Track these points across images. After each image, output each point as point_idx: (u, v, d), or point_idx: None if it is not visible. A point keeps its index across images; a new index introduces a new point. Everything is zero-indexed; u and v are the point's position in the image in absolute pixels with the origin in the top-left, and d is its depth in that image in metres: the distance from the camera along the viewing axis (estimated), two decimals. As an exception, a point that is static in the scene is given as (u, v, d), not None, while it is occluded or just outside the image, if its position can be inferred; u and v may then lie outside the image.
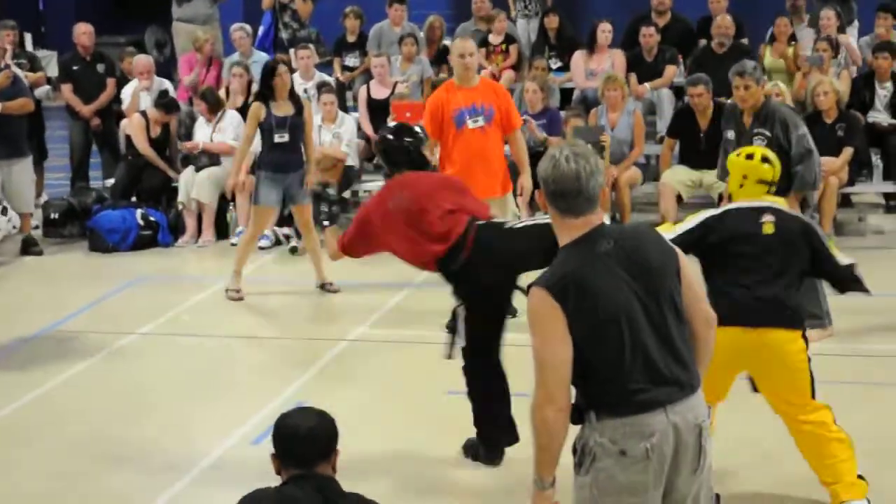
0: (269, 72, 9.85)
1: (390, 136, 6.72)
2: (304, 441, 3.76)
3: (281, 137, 9.70)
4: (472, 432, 6.47)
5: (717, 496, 4.07)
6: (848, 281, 5.96)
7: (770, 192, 6.00)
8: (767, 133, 8.30)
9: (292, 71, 10.96)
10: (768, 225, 5.79)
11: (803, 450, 5.76)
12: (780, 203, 5.98)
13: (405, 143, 6.64)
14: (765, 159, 6.00)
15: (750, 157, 6.03)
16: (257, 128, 9.76)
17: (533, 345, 3.88)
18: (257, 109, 9.75)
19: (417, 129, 6.84)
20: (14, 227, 11.33)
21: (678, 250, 4.06)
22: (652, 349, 3.90)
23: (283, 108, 9.76)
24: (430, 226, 6.19)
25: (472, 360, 6.38)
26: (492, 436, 6.39)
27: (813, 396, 5.70)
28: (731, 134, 8.61)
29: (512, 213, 8.61)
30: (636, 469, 3.87)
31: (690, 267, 4.06)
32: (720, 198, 10.45)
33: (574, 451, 3.97)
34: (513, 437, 6.33)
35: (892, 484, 6.05)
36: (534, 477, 3.94)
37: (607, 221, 4.12)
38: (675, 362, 3.92)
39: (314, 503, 3.67)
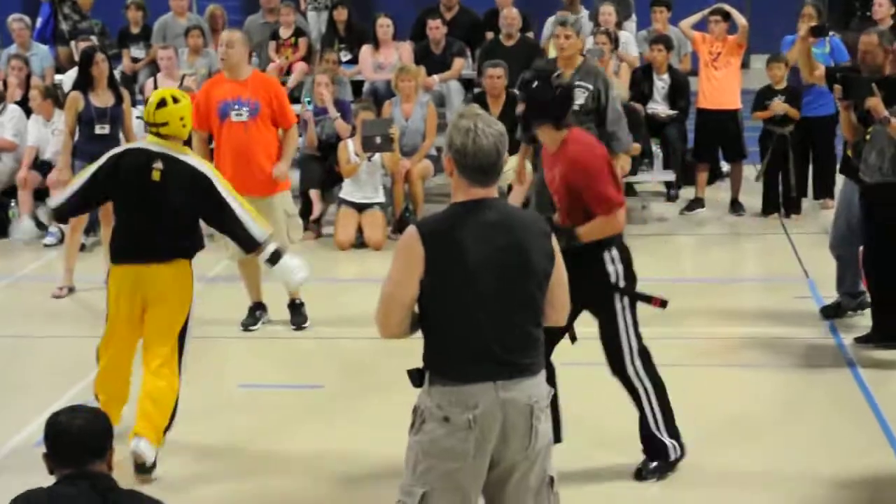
0: (86, 60, 9.52)
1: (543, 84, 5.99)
2: (76, 439, 3.69)
3: (102, 129, 9.44)
4: (251, 425, 6.42)
5: (552, 478, 4.17)
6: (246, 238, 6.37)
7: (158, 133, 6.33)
8: (590, 87, 8.74)
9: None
10: (157, 172, 6.23)
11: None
12: (171, 147, 6.33)
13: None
14: (160, 103, 6.33)
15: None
16: (76, 119, 9.42)
17: (388, 273, 4.07)
18: (75, 100, 9.44)
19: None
20: None
21: (558, 255, 4.16)
22: (492, 328, 4.02)
23: (102, 98, 9.49)
24: None
25: None
26: None
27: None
28: None
29: (283, 212, 8.30)
30: (458, 437, 4.00)
31: (560, 272, 4.17)
32: (509, 188, 10.67)
33: (413, 411, 4.12)
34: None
35: (710, 462, 6.27)
36: None
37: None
38: (514, 346, 4.04)
39: (88, 501, 3.61)
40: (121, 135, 9.63)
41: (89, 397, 6.70)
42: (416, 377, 4.12)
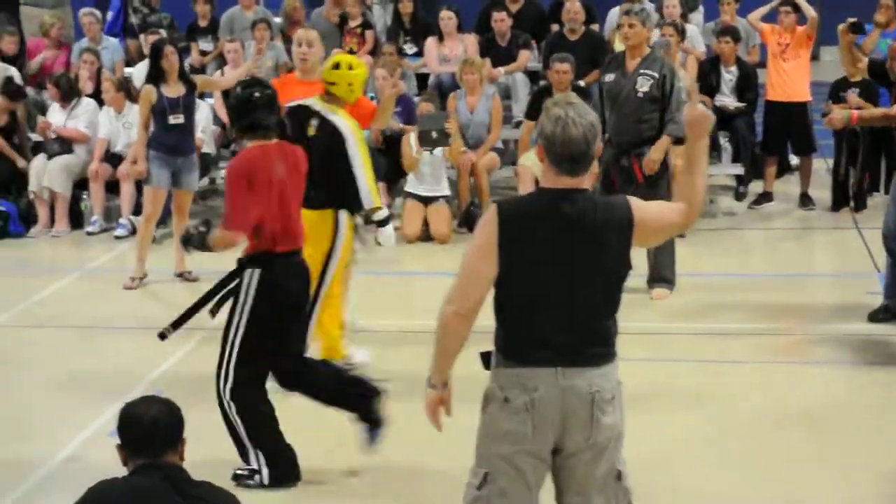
0: (156, 53, 9.65)
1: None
2: (150, 430, 3.72)
3: (176, 118, 9.55)
4: (308, 413, 6.46)
5: (620, 472, 4.16)
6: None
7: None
8: (655, 74, 8.77)
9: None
10: (311, 128, 7.04)
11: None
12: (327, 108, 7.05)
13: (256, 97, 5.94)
14: (336, 65, 7.15)
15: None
16: (150, 111, 9.55)
17: (472, 244, 4.13)
18: (148, 93, 9.55)
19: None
20: None
21: (639, 210, 4.09)
22: (556, 317, 4.03)
23: (174, 89, 9.59)
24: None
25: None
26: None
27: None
28: (610, 77, 8.96)
29: None
30: (517, 419, 4.02)
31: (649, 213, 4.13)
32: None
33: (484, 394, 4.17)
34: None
35: (742, 453, 6.26)
36: (428, 374, 4.21)
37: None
38: (578, 335, 4.04)
39: (163, 492, 3.62)
40: (194, 125, 9.76)
41: (160, 388, 6.80)
42: (486, 360, 4.16)
